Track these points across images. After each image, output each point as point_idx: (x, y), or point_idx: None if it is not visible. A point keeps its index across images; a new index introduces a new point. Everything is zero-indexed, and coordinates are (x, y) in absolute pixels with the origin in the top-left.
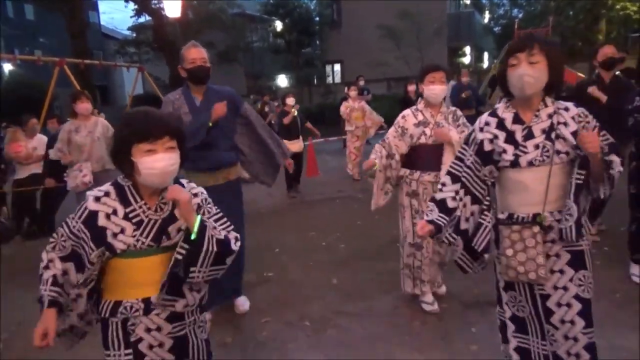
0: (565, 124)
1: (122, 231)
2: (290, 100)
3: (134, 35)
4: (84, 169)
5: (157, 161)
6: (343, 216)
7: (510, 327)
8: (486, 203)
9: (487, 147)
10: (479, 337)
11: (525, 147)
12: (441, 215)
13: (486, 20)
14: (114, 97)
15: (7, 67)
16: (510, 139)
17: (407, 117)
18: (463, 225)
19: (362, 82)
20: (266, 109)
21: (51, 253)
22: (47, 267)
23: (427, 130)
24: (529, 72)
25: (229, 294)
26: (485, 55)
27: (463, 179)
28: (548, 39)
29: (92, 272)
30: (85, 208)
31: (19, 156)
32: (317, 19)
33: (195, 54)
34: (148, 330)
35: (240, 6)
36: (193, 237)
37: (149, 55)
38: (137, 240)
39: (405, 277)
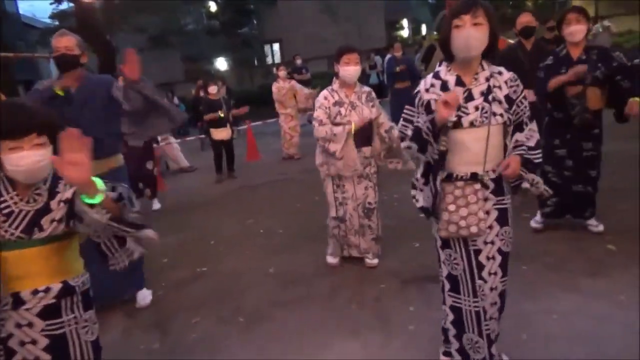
0: (500, 87)
1: None
2: (213, 89)
3: (56, 23)
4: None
5: (22, 159)
6: (283, 200)
7: (446, 285)
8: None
9: (434, 106)
10: (416, 316)
11: (466, 108)
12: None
13: None
14: None
15: None
16: None
17: (328, 97)
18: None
19: (299, 61)
20: (201, 93)
21: None
22: None
23: (342, 110)
24: (473, 34)
25: (128, 289)
26: (423, 27)
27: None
28: (488, 4)
29: None
30: None
31: None
32: None
33: (57, 42)
34: (18, 325)
35: None
36: (98, 200)
37: None
38: (6, 232)
39: (332, 244)
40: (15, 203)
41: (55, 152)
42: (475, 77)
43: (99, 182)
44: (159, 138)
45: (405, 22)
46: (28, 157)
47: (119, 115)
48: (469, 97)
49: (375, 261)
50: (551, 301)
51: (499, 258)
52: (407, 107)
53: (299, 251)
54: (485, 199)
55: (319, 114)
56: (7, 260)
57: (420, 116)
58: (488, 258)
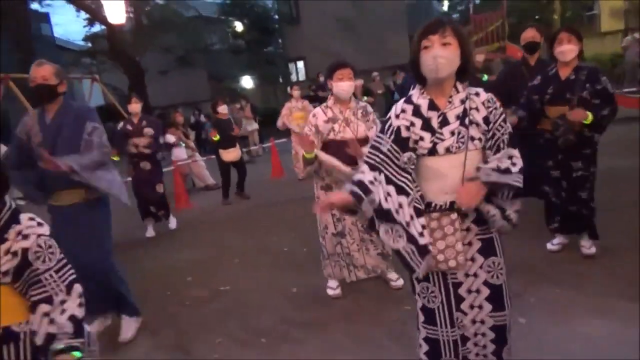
0: (477, 109)
1: None
2: (222, 108)
3: (89, 45)
4: None
5: None
6: (305, 219)
7: (420, 317)
8: (415, 193)
9: (404, 133)
10: None
11: (441, 134)
12: (358, 189)
13: (445, 8)
14: None
15: None
16: (427, 125)
17: (318, 115)
18: (397, 218)
19: (322, 79)
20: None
21: None
22: None
23: (336, 127)
24: (441, 54)
25: (105, 311)
26: None
27: (382, 168)
28: (457, 23)
29: None
30: None
31: None
32: (276, 16)
33: (34, 72)
34: None
35: (195, 8)
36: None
37: (106, 65)
38: None
39: (334, 265)
40: None
41: None
42: (450, 100)
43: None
44: (175, 157)
45: None
46: None
47: (105, 164)
48: (444, 122)
49: (401, 282)
50: (581, 325)
51: (485, 291)
52: (377, 133)
53: (322, 271)
54: (467, 229)
55: (305, 131)
56: None
57: (386, 143)
58: (470, 291)
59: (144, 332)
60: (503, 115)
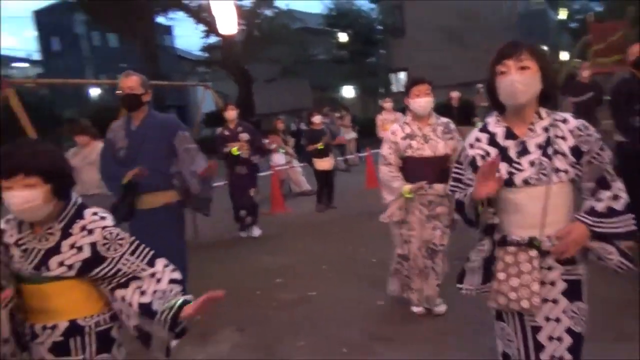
0: (564, 137)
1: (14, 256)
2: (317, 119)
3: (205, 55)
4: None
5: (12, 198)
6: None
7: None
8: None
9: (480, 163)
10: None
11: (519, 164)
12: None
13: (561, 16)
14: (190, 115)
15: (94, 92)
16: (503, 155)
17: (396, 132)
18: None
19: None
20: (324, 119)
21: None
22: None
23: (414, 143)
24: (518, 79)
25: None
26: (564, 54)
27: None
28: (535, 45)
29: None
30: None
31: None
32: (380, 27)
33: (122, 83)
34: (35, 357)
35: (303, 21)
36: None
37: (219, 73)
38: (22, 267)
39: (394, 279)
40: (30, 241)
41: (55, 191)
42: (531, 127)
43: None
44: (273, 163)
45: (543, 49)
46: (15, 198)
47: (174, 156)
48: (523, 151)
49: (443, 308)
50: None
51: (567, 340)
52: (455, 163)
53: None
54: (549, 268)
55: (384, 150)
56: (25, 292)
57: (464, 175)
58: (551, 338)
59: (231, 329)
60: (600, 143)
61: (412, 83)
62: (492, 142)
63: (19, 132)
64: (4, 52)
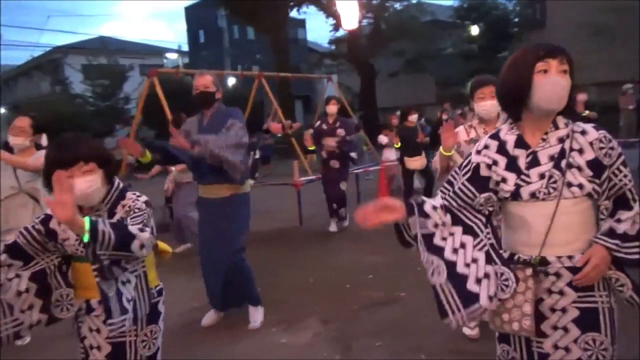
0: (581, 150)
1: (68, 238)
2: (413, 117)
3: (333, 48)
4: (167, 179)
5: (75, 186)
6: None
7: None
8: (486, 236)
9: (484, 172)
10: None
11: (527, 175)
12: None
13: None
14: (315, 105)
15: (231, 82)
16: (512, 165)
17: (460, 134)
18: (450, 257)
19: None
20: (444, 116)
21: None
22: None
23: None
24: (563, 82)
25: (233, 303)
26: None
27: (451, 206)
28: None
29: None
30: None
31: None
32: (516, 20)
33: (197, 81)
34: (90, 330)
35: (433, 13)
36: (85, 239)
37: (344, 66)
38: (77, 249)
39: None
40: None
41: (107, 175)
42: (544, 137)
43: (86, 222)
44: (384, 158)
45: None
46: (79, 184)
47: (240, 147)
48: (533, 162)
49: (476, 332)
50: None
51: None
52: (456, 168)
53: None
54: (560, 292)
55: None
56: (80, 271)
57: (458, 181)
58: None
59: (315, 319)
60: (623, 158)
61: (476, 84)
62: (502, 150)
63: (161, 113)
64: (159, 44)
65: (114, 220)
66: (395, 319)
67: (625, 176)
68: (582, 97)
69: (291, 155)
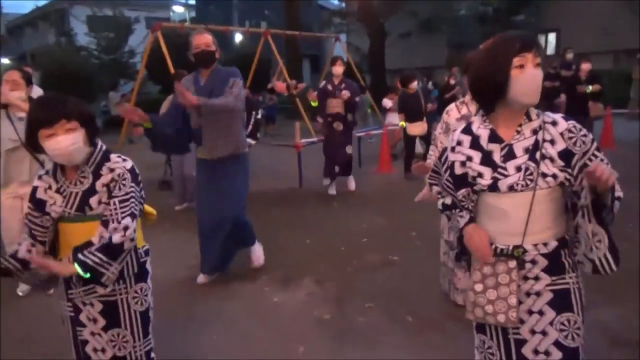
0: (552, 141)
1: (55, 202)
2: (414, 85)
3: (343, 5)
4: None
5: (58, 143)
6: None
7: None
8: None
9: (459, 170)
10: None
11: (505, 169)
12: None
13: None
14: (323, 65)
15: (238, 38)
16: (487, 160)
17: (451, 112)
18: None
19: (570, 55)
20: (451, 81)
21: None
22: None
23: None
24: (539, 76)
25: (242, 244)
26: None
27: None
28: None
29: (45, 233)
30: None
31: None
32: None
33: (199, 40)
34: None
35: None
36: (87, 276)
37: (354, 25)
38: (64, 211)
39: (442, 275)
40: (67, 186)
41: (88, 135)
42: (519, 129)
43: (77, 267)
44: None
45: None
46: (62, 142)
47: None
48: (509, 155)
49: None
50: None
51: (556, 354)
52: (436, 160)
53: None
54: (536, 278)
55: (436, 130)
56: (70, 231)
57: (443, 176)
58: (537, 352)
59: (310, 279)
60: (596, 144)
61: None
62: (475, 145)
63: (166, 68)
64: None
65: (102, 183)
66: (388, 281)
67: (602, 160)
68: (586, 65)
69: (296, 116)
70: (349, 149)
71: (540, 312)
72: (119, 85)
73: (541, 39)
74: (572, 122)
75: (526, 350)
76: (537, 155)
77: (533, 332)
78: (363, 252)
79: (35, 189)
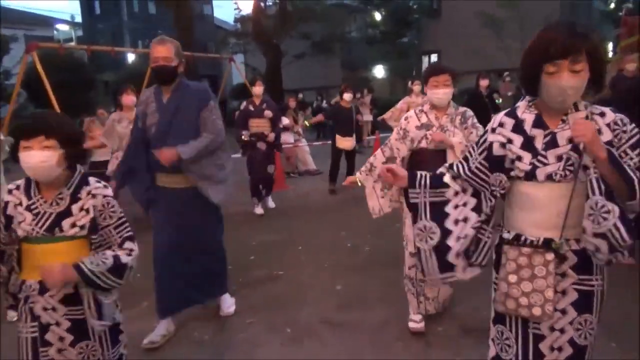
0: (599, 131)
1: (24, 220)
2: (347, 96)
3: (238, 26)
4: (119, 157)
5: (31, 157)
6: (386, 219)
7: None
8: (485, 215)
9: (498, 151)
10: None
11: (545, 157)
12: (427, 179)
13: (608, 7)
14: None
15: (131, 58)
16: (528, 145)
17: (410, 119)
18: (449, 226)
19: None
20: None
21: None
22: None
23: (430, 134)
24: (571, 84)
25: (210, 294)
26: (610, 46)
27: (465, 180)
28: (594, 35)
29: (6, 251)
30: (3, 199)
31: (94, 145)
32: (415, 7)
33: (157, 51)
34: (44, 309)
35: None
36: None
37: (250, 46)
38: (33, 230)
39: (408, 292)
40: (41, 205)
41: (67, 157)
42: (564, 118)
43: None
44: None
45: None
46: (35, 156)
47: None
48: (551, 143)
49: (421, 325)
50: None
51: (568, 350)
52: (472, 143)
53: (375, 273)
54: (563, 274)
55: (392, 136)
56: (34, 252)
57: (475, 159)
58: (552, 348)
59: None
60: (633, 140)
61: (430, 72)
62: (518, 128)
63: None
64: (50, 14)
65: (79, 207)
66: (271, 296)
67: (631, 159)
68: (484, 82)
69: None
70: (270, 169)
71: (563, 311)
72: None
73: (424, 60)
74: (620, 115)
75: (543, 346)
76: (581, 146)
77: (552, 329)
78: (250, 269)
79: (6, 203)
